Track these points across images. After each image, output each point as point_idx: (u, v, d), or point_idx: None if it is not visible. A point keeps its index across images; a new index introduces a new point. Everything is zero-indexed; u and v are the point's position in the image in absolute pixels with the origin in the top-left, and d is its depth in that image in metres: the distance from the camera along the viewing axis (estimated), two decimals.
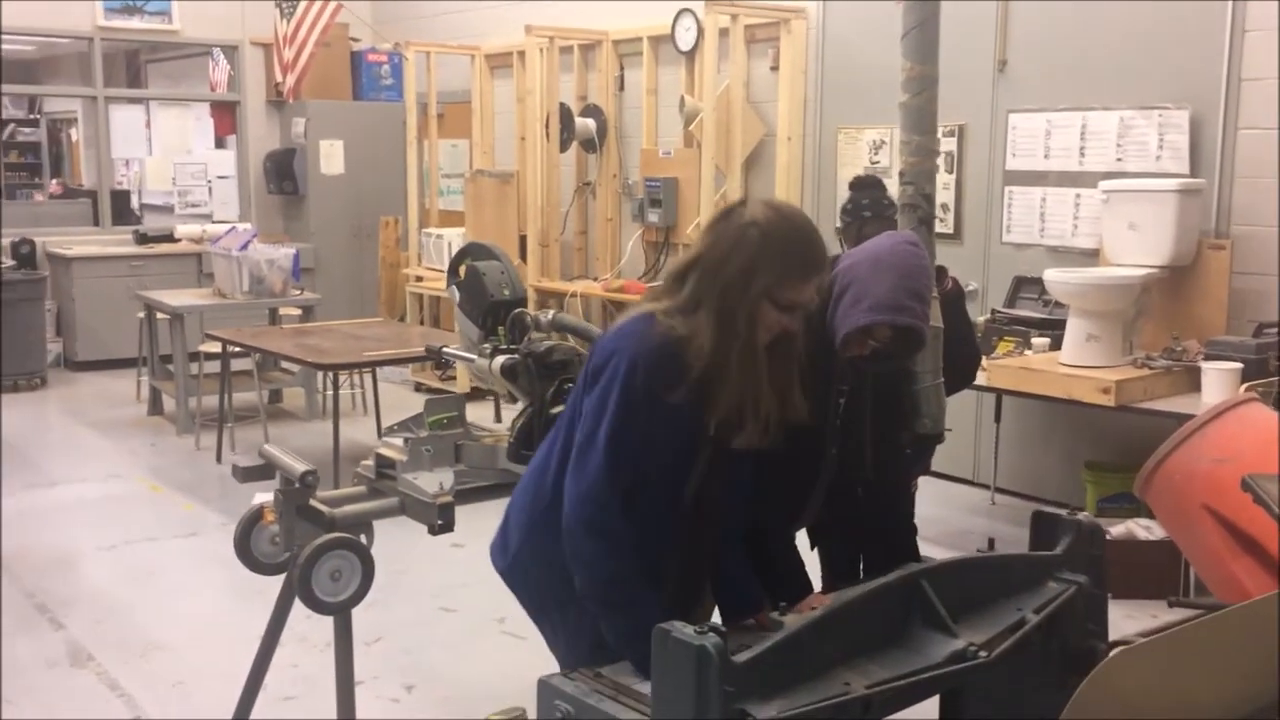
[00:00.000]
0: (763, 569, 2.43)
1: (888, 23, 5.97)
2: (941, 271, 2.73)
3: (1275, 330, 4.70)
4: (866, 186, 3.35)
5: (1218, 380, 4.45)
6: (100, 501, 5.94)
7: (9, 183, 13.97)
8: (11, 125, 14.62)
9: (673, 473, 2.20)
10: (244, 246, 7.31)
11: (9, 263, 8.46)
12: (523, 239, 7.95)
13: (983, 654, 1.78)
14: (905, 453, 2.76)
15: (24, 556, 5.04)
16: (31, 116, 14.87)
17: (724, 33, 6.70)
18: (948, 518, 5.44)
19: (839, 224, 3.38)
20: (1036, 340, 5.13)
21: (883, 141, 6.30)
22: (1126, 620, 2.22)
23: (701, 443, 2.18)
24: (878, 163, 6.25)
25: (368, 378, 7.07)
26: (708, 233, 2.20)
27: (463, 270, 3.24)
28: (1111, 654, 2.04)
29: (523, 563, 2.37)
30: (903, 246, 2.48)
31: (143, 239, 9.40)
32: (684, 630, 1.77)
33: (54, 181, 14.09)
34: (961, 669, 1.77)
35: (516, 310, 3.11)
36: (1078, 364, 4.75)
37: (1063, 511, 2.24)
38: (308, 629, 3.24)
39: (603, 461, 2.12)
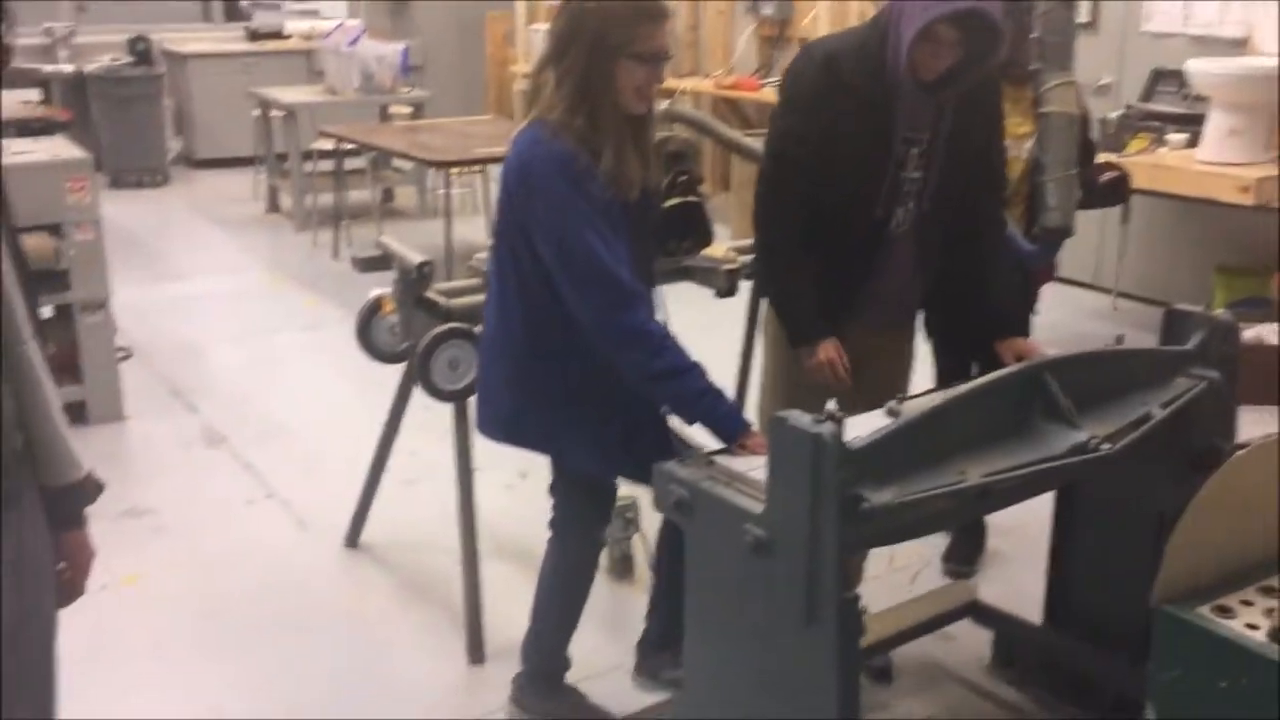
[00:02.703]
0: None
1: None
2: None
3: None
4: None
5: None
6: (224, 295, 6.13)
7: None
8: None
9: (620, 246, 2.27)
10: (353, 42, 7.25)
11: (126, 59, 8.54)
12: None
13: (1105, 446, 1.74)
14: (1004, 226, 2.64)
15: (156, 345, 5.25)
16: None
17: None
18: (1067, 322, 5.30)
19: None
20: (1173, 137, 4.86)
21: None
22: (1253, 426, 2.16)
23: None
24: None
25: (478, 177, 7.08)
26: (550, 29, 2.31)
27: None
28: (1238, 452, 2.00)
29: (524, 416, 2.44)
30: None
31: (254, 35, 9.38)
32: (800, 418, 1.77)
33: None
34: (1082, 461, 1.74)
35: None
36: (1216, 160, 4.51)
37: (1197, 309, 2.15)
38: (426, 418, 3.33)
39: (595, 271, 2.20)
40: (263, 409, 4.62)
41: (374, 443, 3.44)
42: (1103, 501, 1.97)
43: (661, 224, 2.80)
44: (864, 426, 1.76)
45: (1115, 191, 2.79)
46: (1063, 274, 5.47)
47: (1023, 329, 2.69)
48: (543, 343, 2.37)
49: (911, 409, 1.67)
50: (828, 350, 2.45)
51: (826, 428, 1.72)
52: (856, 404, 1.98)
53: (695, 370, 2.26)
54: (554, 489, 2.58)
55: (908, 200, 2.46)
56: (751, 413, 2.61)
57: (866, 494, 1.66)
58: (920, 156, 2.42)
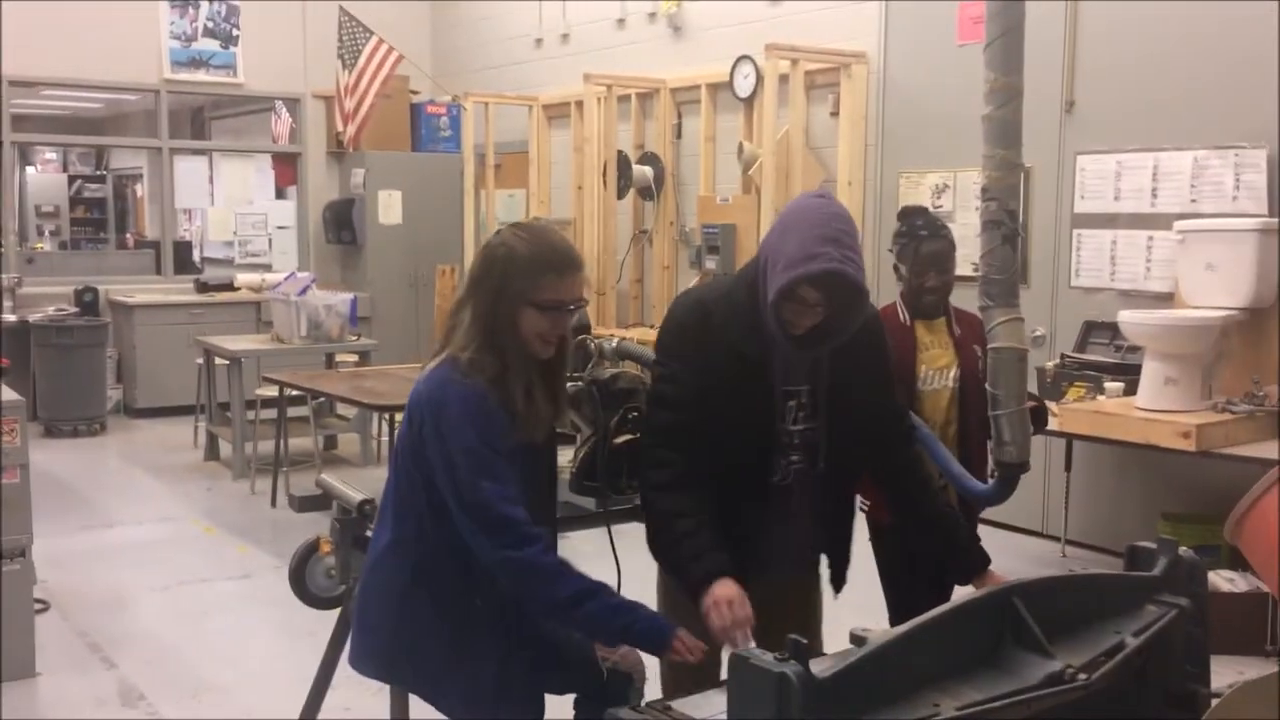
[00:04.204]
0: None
1: (951, 66, 5.99)
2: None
3: None
4: (917, 212, 3.32)
5: None
6: (155, 543, 5.92)
7: (75, 236, 14.28)
8: (79, 181, 14.96)
9: (514, 486, 2.29)
10: (302, 292, 7.34)
11: (72, 310, 8.57)
12: None
13: (1081, 677, 1.65)
14: (911, 451, 2.67)
15: (78, 596, 5.00)
16: (98, 173, 15.22)
17: (784, 79, 6.67)
18: (1015, 568, 5.21)
19: (892, 248, 3.31)
20: (1110, 385, 4.97)
21: (946, 185, 6.21)
22: (1219, 676, 2.08)
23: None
24: (940, 206, 6.15)
25: None
26: (469, 269, 2.41)
27: None
28: (1231, 690, 1.91)
29: (404, 646, 2.38)
30: (808, 201, 2.37)
31: (203, 287, 9.50)
32: (763, 657, 1.67)
33: (126, 235, 14.38)
34: (1058, 692, 1.64)
35: (580, 338, 3.03)
36: (1155, 408, 4.59)
37: (1156, 542, 2.12)
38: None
39: (491, 517, 2.22)
40: (187, 664, 4.36)
41: (303, 699, 3.23)
42: None
43: (610, 462, 2.75)
44: (822, 660, 1.67)
45: (1036, 418, 2.85)
46: (1009, 521, 5.49)
47: (983, 560, 2.64)
48: (435, 573, 2.33)
49: (879, 636, 1.58)
50: (725, 588, 2.27)
51: (791, 666, 1.62)
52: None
53: (603, 589, 2.25)
54: None
55: (793, 452, 2.44)
56: None
57: None
58: (801, 409, 2.43)
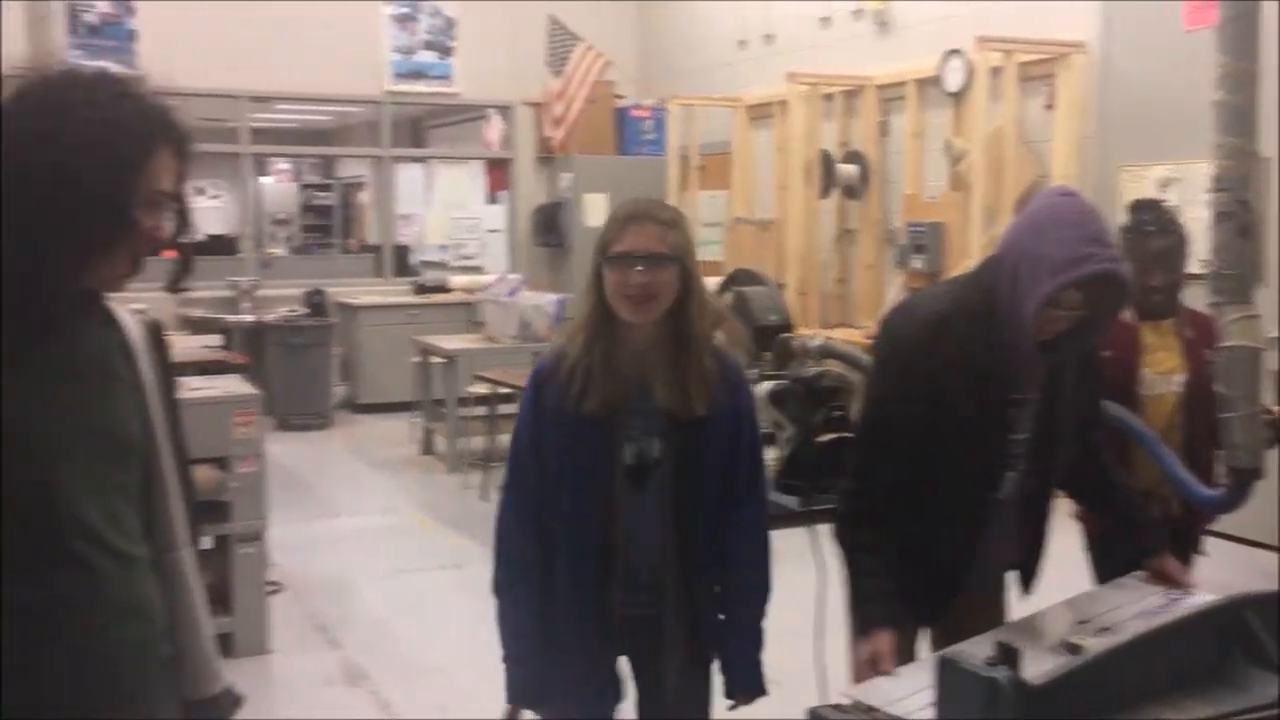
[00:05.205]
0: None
1: (1178, 53, 5.69)
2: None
3: None
4: (1146, 206, 3.13)
5: None
6: (376, 532, 6.22)
7: (305, 242, 15.14)
8: (309, 190, 15.86)
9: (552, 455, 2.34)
10: (513, 293, 7.58)
11: (302, 311, 9.10)
12: (781, 287, 7.89)
13: None
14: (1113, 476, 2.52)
15: (306, 580, 5.31)
16: (326, 181, 16.09)
17: (996, 72, 6.48)
18: (1239, 583, 4.92)
19: (1118, 244, 3.15)
20: None
21: (1172, 178, 5.89)
22: None
23: None
24: (1166, 200, 5.82)
25: None
26: None
27: (728, 296, 3.20)
28: None
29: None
30: (1057, 199, 2.22)
31: (420, 289, 9.93)
32: (972, 659, 1.63)
33: (350, 240, 15.18)
34: None
35: (783, 335, 3.04)
36: None
37: None
38: None
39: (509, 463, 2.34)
40: (406, 648, 4.57)
41: None
42: None
43: (814, 460, 2.75)
44: (1033, 666, 1.62)
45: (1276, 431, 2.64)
46: (1239, 532, 5.16)
47: (1159, 542, 2.48)
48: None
49: (1095, 645, 1.52)
50: (881, 642, 2.17)
51: (1001, 671, 1.58)
52: None
53: (522, 601, 2.34)
54: None
55: (1016, 464, 2.32)
56: None
57: None
58: (1029, 418, 2.30)
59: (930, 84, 7.30)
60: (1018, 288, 2.14)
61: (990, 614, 2.55)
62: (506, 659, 2.39)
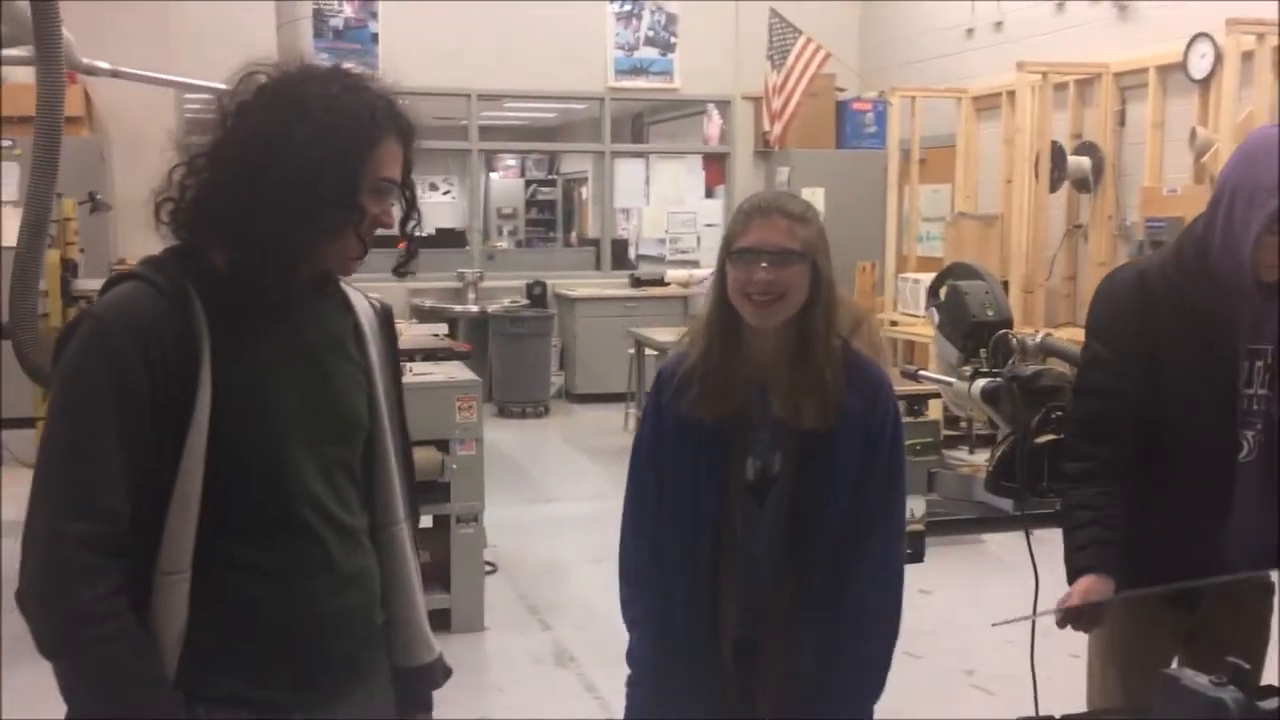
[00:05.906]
0: None
1: None
2: None
3: None
4: None
5: None
6: (587, 519, 6.34)
7: (529, 235, 15.62)
8: (534, 185, 16.33)
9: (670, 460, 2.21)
10: None
11: (523, 302, 9.38)
12: (1004, 284, 7.61)
13: None
14: None
15: (521, 561, 5.48)
16: (550, 177, 16.54)
17: (1247, 56, 6.06)
18: None
19: None
20: None
21: None
22: None
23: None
24: None
25: None
26: None
27: (943, 291, 3.12)
28: None
29: None
30: (1268, 130, 2.08)
31: (636, 282, 10.09)
32: (1196, 679, 1.54)
33: (571, 234, 15.58)
34: None
35: (1001, 332, 2.93)
36: None
37: None
38: None
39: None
40: (614, 632, 4.62)
41: None
42: None
43: (1030, 462, 2.64)
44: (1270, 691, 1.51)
45: None
46: None
47: None
48: None
49: None
50: (1088, 586, 2.10)
51: (1229, 693, 1.49)
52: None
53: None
54: None
55: (1256, 422, 2.17)
56: None
57: None
58: (1267, 370, 2.14)
59: (1174, 70, 6.89)
60: (1233, 221, 2.04)
61: (1251, 618, 2.37)
62: (626, 681, 2.26)
